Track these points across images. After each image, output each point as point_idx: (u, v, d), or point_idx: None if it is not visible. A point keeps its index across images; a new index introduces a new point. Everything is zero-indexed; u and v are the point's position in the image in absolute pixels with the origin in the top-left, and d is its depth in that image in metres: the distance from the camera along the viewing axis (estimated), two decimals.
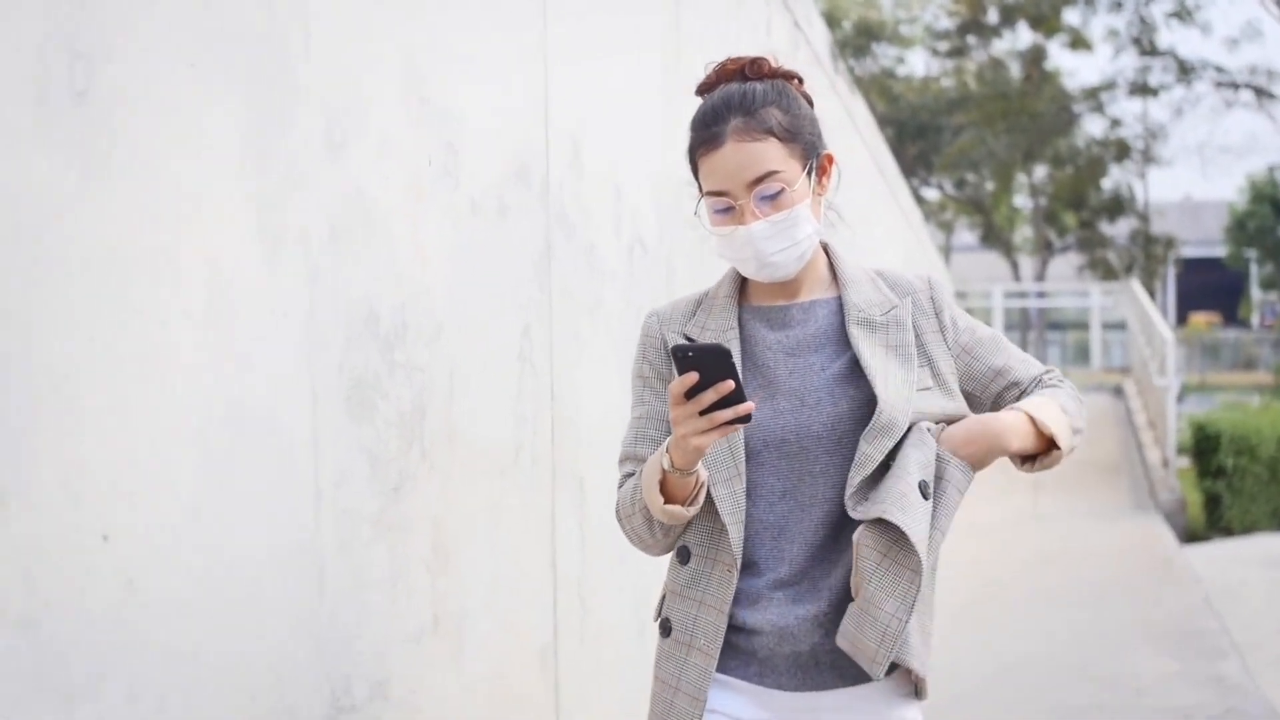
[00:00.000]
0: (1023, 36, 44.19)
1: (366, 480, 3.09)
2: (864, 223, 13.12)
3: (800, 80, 3.00)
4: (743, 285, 3.04)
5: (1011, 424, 2.87)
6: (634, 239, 4.96)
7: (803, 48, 9.03)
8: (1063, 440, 2.89)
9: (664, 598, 2.97)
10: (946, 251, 46.99)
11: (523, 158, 3.96)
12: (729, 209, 2.86)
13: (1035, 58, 43.32)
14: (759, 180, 2.83)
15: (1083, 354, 40.74)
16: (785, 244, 2.87)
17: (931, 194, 48.00)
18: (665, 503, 2.80)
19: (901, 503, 2.72)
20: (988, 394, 3.03)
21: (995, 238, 48.01)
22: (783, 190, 2.84)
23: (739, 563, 2.84)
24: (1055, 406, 2.93)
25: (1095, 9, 40.00)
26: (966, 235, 54.59)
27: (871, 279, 3.03)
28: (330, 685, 2.94)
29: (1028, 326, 45.08)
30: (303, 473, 2.84)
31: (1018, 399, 3.00)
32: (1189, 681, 8.66)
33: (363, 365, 3.08)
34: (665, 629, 2.94)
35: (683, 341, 2.95)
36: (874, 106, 39.56)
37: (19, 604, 2.08)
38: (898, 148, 39.87)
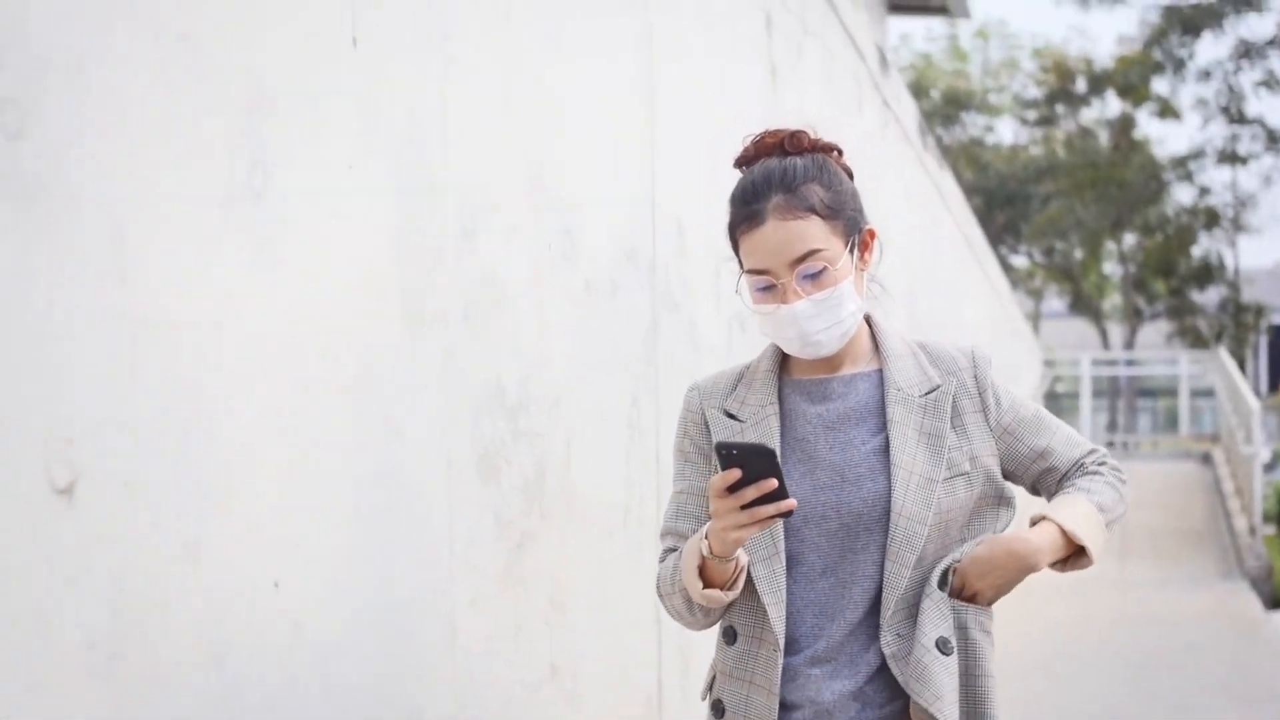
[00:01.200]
0: (1111, 105, 44.21)
1: (493, 539, 3.38)
2: (951, 294, 13.37)
3: (840, 153, 2.94)
4: (784, 358, 2.97)
5: (1042, 543, 2.82)
6: (732, 315, 5.26)
7: (891, 125, 9.32)
8: (1095, 547, 2.85)
9: (714, 677, 2.93)
10: (1036, 319, 46.98)
11: (632, 241, 4.27)
12: (771, 287, 2.80)
13: (1124, 126, 43.30)
14: (801, 259, 2.76)
15: (1172, 421, 40.67)
16: (829, 323, 2.80)
17: (1020, 261, 48.01)
18: (704, 587, 2.76)
19: (922, 675, 2.73)
20: (1028, 475, 2.97)
21: (1084, 305, 47.87)
22: (825, 269, 2.78)
23: (782, 642, 2.79)
24: (1089, 507, 2.90)
25: (1184, 78, 39.99)
26: (1055, 302, 54.44)
27: (914, 353, 2.95)
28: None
29: (1117, 394, 44.96)
30: (438, 531, 3.14)
31: (1056, 484, 2.98)
32: None
33: (490, 433, 3.38)
34: (718, 710, 2.88)
35: (724, 417, 2.92)
36: (962, 175, 39.75)
37: (209, 640, 2.39)
38: (986, 216, 40.00)
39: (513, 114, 3.51)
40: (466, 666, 3.26)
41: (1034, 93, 46.25)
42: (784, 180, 2.80)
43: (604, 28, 4.16)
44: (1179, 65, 39.72)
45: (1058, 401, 38.25)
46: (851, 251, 2.84)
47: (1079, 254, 46.43)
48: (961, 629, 2.80)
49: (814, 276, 2.77)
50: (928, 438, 2.84)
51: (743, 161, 2.93)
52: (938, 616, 2.77)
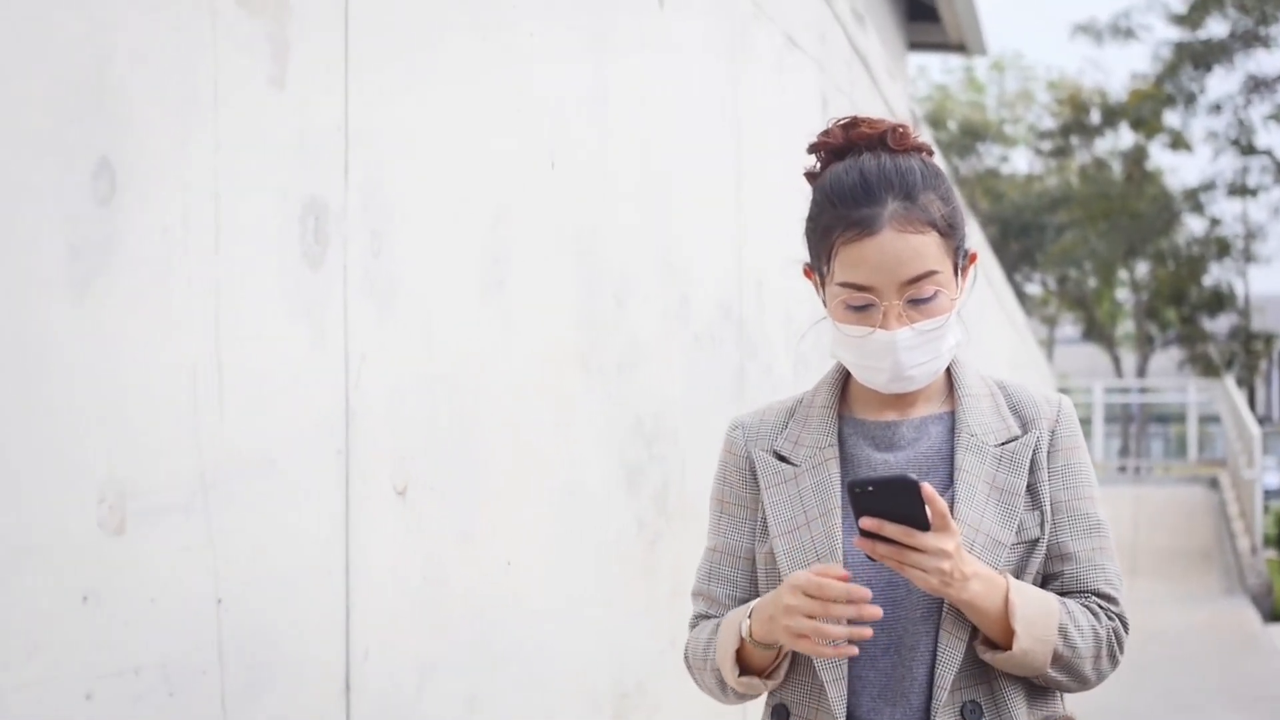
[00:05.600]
0: (1124, 137, 45.06)
1: (635, 537, 4.36)
2: (975, 335, 14.34)
3: (931, 153, 2.59)
4: (843, 392, 2.65)
5: (983, 579, 2.41)
6: (799, 357, 6.25)
7: None
8: (1023, 643, 2.42)
9: None
10: (1050, 345, 47.81)
11: (726, 300, 5.26)
12: (868, 307, 2.45)
13: (1137, 158, 44.12)
14: (915, 280, 2.42)
15: (1183, 447, 41.57)
16: (928, 357, 2.47)
17: (1035, 289, 48.88)
18: (741, 673, 2.54)
19: None
20: (1034, 564, 2.54)
21: (1097, 332, 48.70)
22: (937, 294, 2.44)
23: None
24: (1056, 616, 2.46)
25: (1195, 112, 40.89)
26: (1069, 329, 55.27)
27: (991, 394, 2.58)
28: (613, 677, 4.20)
29: (1130, 420, 45.75)
30: (602, 530, 4.12)
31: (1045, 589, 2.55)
32: None
33: (633, 457, 4.36)
34: None
35: (775, 460, 2.64)
36: (978, 204, 40.62)
37: (474, 603, 3.38)
38: (1001, 244, 40.91)
39: (649, 207, 4.50)
40: (617, 632, 4.23)
41: (1049, 124, 47.21)
42: (904, 185, 2.45)
43: (709, 126, 5.15)
44: (1190, 99, 40.62)
45: None
46: (957, 276, 2.52)
47: (1092, 282, 47.25)
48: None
49: (923, 302, 2.44)
50: (999, 494, 2.49)
51: (822, 149, 2.61)
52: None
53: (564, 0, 3.90)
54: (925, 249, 2.43)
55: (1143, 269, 46.45)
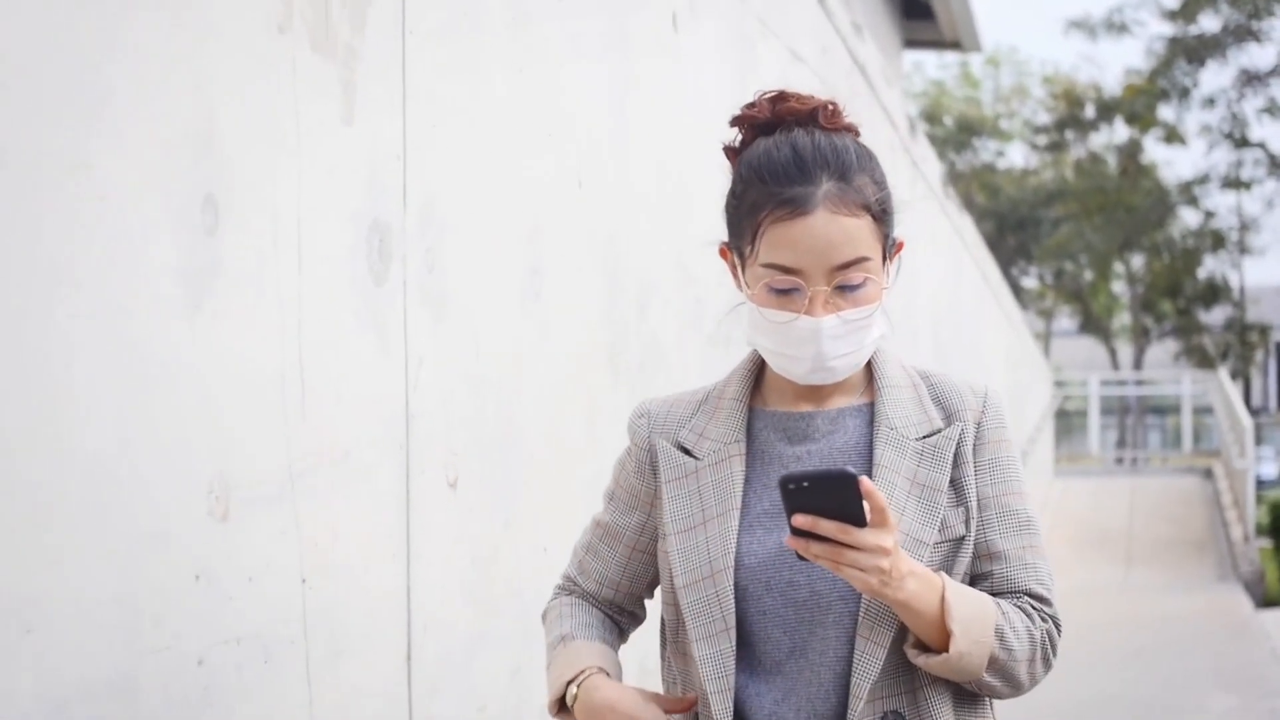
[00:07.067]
0: (1119, 131, 45.20)
1: None
2: (972, 326, 14.65)
3: (858, 134, 2.45)
4: (756, 382, 2.53)
5: (920, 579, 2.25)
6: None
7: (919, 182, 10.66)
8: (959, 645, 2.26)
9: None
10: (1046, 338, 48.01)
11: (736, 303, 5.58)
12: (793, 290, 2.32)
13: (1131, 152, 44.26)
14: (846, 266, 2.28)
15: (1179, 438, 41.86)
16: (852, 348, 2.33)
17: (1031, 283, 49.06)
18: (556, 712, 2.52)
19: None
20: (960, 564, 2.38)
21: (1094, 325, 48.89)
22: (866, 281, 2.31)
23: None
24: (991, 617, 2.31)
25: (1189, 106, 41.06)
26: (1066, 322, 55.43)
27: (914, 385, 2.45)
28: (640, 650, 4.53)
29: (1126, 411, 45.96)
30: None
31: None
32: (1248, 713, 10.23)
33: None
34: None
35: (678, 452, 2.52)
36: (975, 199, 40.83)
37: (513, 584, 3.71)
38: (998, 239, 41.08)
39: (666, 218, 4.84)
40: None
41: (1044, 119, 47.33)
42: (839, 164, 2.32)
43: (720, 140, 5.46)
44: (1184, 93, 40.76)
45: (1068, 419, 39.46)
46: (885, 265, 2.39)
47: (1088, 275, 47.40)
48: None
49: (851, 289, 2.31)
50: (920, 490, 2.37)
51: (746, 122, 2.49)
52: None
53: (588, 31, 4.23)
54: (858, 233, 2.29)
55: (1138, 262, 46.60)
